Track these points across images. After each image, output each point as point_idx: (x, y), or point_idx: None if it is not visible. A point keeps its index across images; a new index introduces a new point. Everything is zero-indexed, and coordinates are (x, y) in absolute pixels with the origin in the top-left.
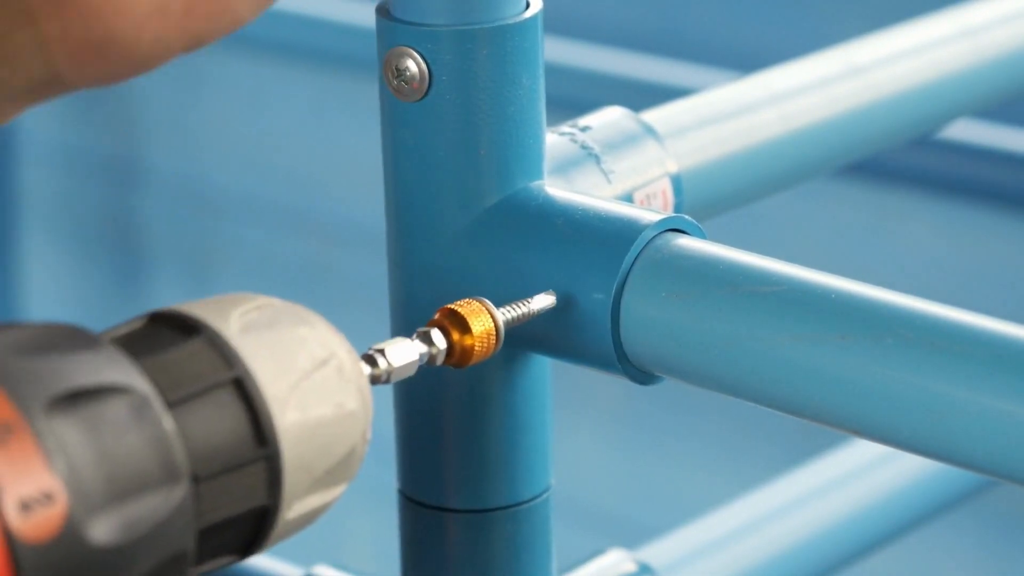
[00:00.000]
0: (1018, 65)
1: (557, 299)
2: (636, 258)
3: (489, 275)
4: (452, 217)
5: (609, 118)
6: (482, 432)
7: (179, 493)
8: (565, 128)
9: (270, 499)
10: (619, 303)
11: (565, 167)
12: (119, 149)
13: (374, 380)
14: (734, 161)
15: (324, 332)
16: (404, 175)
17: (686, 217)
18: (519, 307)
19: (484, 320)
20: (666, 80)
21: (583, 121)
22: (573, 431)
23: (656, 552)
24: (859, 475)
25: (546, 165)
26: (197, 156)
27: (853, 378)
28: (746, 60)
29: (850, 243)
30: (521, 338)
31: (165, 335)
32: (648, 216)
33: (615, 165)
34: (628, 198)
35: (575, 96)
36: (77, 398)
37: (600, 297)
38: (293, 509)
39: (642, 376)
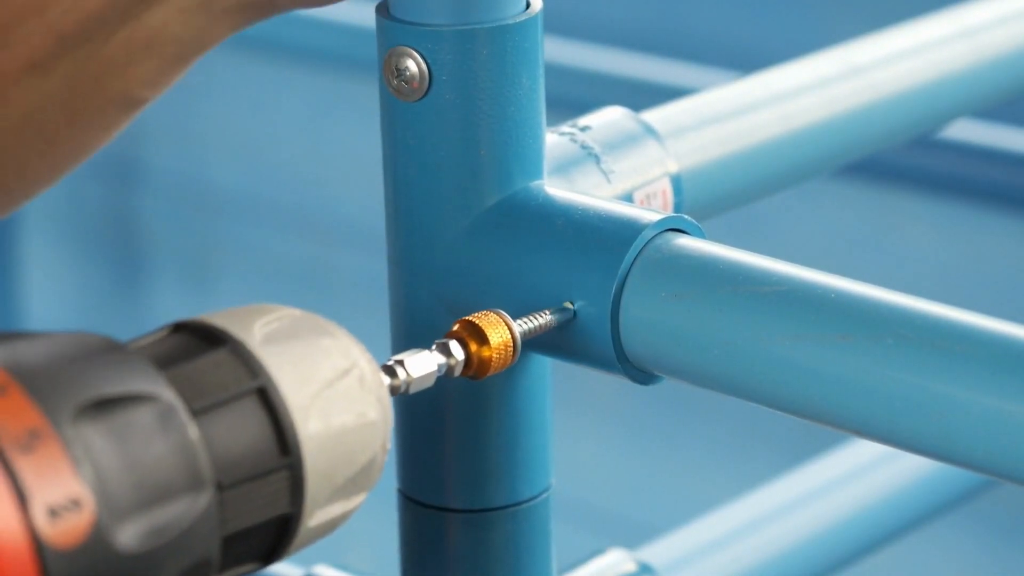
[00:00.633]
0: (1017, 65)
1: (557, 300)
2: (636, 258)
3: (489, 275)
4: (452, 217)
5: (609, 118)
6: (482, 432)
7: (204, 501)
8: (565, 128)
9: (292, 507)
10: (619, 303)
11: (565, 167)
12: (119, 149)
13: (393, 391)
14: (734, 161)
15: (346, 342)
16: (404, 175)
17: (686, 217)
18: (536, 319)
19: (502, 332)
20: (666, 80)
21: (583, 121)
22: (572, 431)
23: (656, 552)
24: (859, 475)
25: (546, 165)
26: (197, 156)
27: (854, 378)
28: (746, 60)
29: (849, 243)
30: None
31: (189, 345)
32: (648, 216)
33: (615, 165)
34: (628, 198)
35: (575, 96)
36: (104, 406)
37: (600, 297)
38: (315, 517)
39: (642, 376)
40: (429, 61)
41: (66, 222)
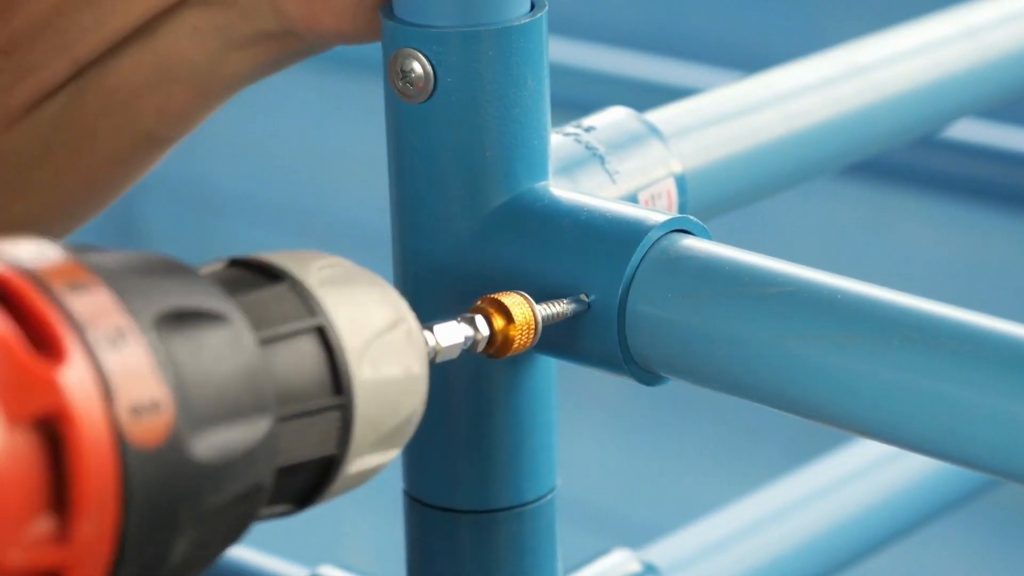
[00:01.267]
0: (1021, 65)
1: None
2: (642, 259)
3: (495, 276)
4: (458, 218)
5: (613, 118)
6: (488, 433)
7: (264, 425)
8: (569, 128)
9: (339, 449)
10: (625, 304)
11: (570, 167)
12: None
13: None
14: (738, 161)
15: (395, 296)
16: (409, 177)
17: (691, 218)
18: (555, 305)
19: (526, 312)
20: (670, 80)
21: (587, 121)
22: (574, 432)
23: (661, 552)
24: (863, 475)
25: (551, 166)
26: (198, 156)
27: (860, 379)
28: (749, 60)
29: (850, 242)
30: None
31: (249, 278)
32: (654, 217)
33: (620, 165)
34: (633, 198)
35: (578, 96)
36: (183, 318)
37: (606, 298)
38: (355, 464)
39: (648, 377)
40: (434, 63)
41: None
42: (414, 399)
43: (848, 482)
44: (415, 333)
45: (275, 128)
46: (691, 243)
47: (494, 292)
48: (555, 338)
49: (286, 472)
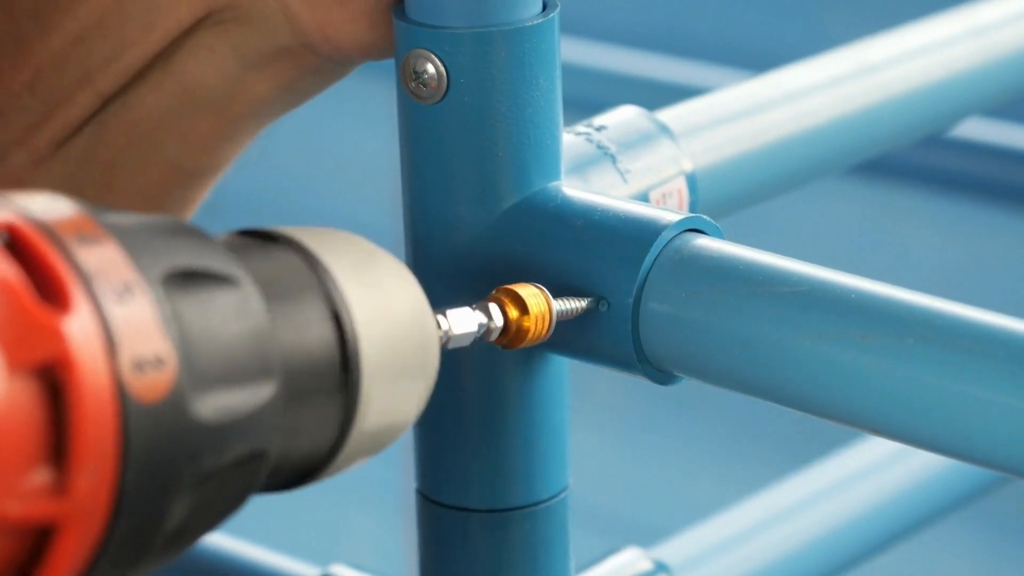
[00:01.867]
0: None
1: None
2: (656, 259)
3: (508, 277)
4: (471, 219)
5: (624, 117)
6: (500, 432)
7: (269, 391)
8: (581, 128)
9: (341, 428)
10: (639, 303)
11: (581, 167)
12: None
13: None
14: (748, 159)
15: (410, 279)
16: (422, 177)
17: (704, 217)
18: (571, 301)
19: (540, 303)
20: (680, 80)
21: (598, 120)
22: (580, 433)
23: (672, 550)
24: (872, 473)
25: (563, 165)
26: None
27: (874, 378)
28: (759, 59)
29: (856, 241)
30: None
31: (261, 247)
32: (667, 216)
33: (631, 164)
34: (644, 197)
35: (589, 96)
36: (192, 277)
37: (620, 298)
38: (339, 461)
39: (662, 376)
40: (447, 64)
41: None
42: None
43: (857, 480)
44: (426, 315)
45: (276, 128)
46: (705, 242)
47: None
48: (568, 337)
49: (292, 440)
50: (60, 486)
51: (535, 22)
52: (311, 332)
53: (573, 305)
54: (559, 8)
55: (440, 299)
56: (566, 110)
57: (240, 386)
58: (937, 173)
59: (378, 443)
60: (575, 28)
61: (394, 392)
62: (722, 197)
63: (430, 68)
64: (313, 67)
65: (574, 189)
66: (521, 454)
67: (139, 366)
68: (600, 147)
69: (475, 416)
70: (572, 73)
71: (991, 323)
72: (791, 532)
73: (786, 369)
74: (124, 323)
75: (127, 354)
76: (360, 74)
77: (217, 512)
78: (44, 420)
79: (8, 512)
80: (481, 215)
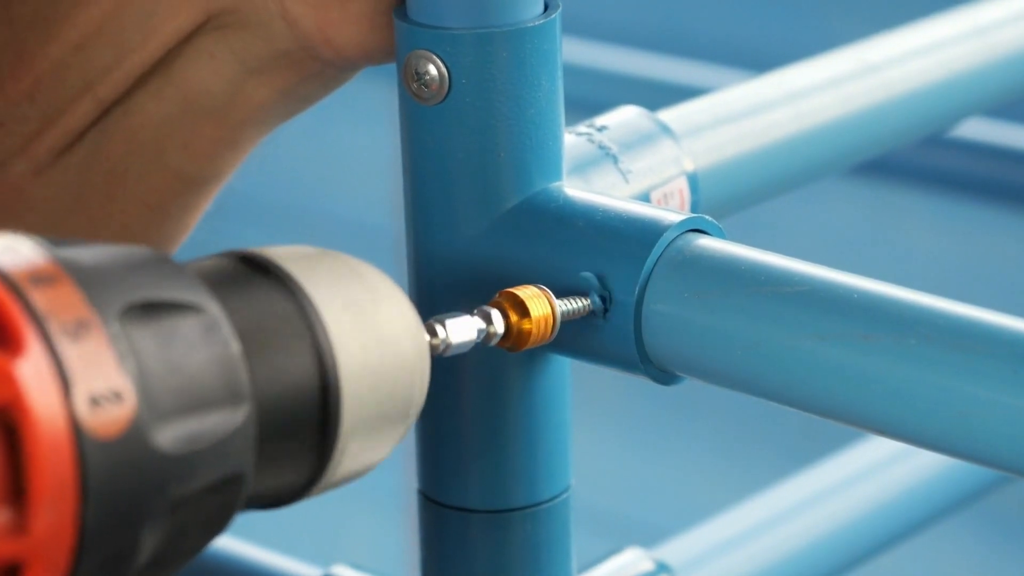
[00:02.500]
0: None
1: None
2: (658, 259)
3: (510, 277)
4: (472, 219)
5: (625, 117)
6: (502, 432)
7: (240, 415)
8: (582, 128)
9: (322, 447)
10: (641, 304)
11: (583, 167)
12: None
13: (432, 350)
14: (750, 159)
15: (400, 297)
16: (423, 178)
17: (706, 217)
18: (574, 301)
19: (543, 306)
20: (681, 80)
21: (600, 121)
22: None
23: (673, 550)
24: (873, 473)
25: (564, 166)
26: None
27: (877, 378)
28: (760, 59)
29: (856, 241)
30: None
31: (242, 272)
32: (670, 217)
33: (632, 165)
34: (645, 197)
35: (590, 96)
36: (151, 309)
37: (623, 298)
38: (342, 467)
39: (664, 377)
40: (449, 65)
41: None
42: (411, 390)
43: (858, 480)
44: (414, 328)
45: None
46: (707, 242)
47: None
48: (570, 338)
49: (271, 461)
50: (20, 525)
51: (537, 23)
52: (291, 380)
53: (576, 306)
54: (560, 8)
55: (441, 300)
56: (567, 110)
57: (207, 413)
58: (937, 173)
59: (348, 481)
60: (576, 28)
61: (370, 441)
62: (723, 197)
63: (431, 69)
64: (314, 72)
65: (576, 190)
66: (523, 454)
67: (95, 402)
68: (601, 147)
69: (476, 416)
70: (573, 73)
71: (994, 323)
72: (793, 532)
73: (788, 369)
74: (78, 361)
75: (82, 391)
76: (361, 75)
77: (197, 536)
78: (2, 462)
79: None
80: (482, 216)
